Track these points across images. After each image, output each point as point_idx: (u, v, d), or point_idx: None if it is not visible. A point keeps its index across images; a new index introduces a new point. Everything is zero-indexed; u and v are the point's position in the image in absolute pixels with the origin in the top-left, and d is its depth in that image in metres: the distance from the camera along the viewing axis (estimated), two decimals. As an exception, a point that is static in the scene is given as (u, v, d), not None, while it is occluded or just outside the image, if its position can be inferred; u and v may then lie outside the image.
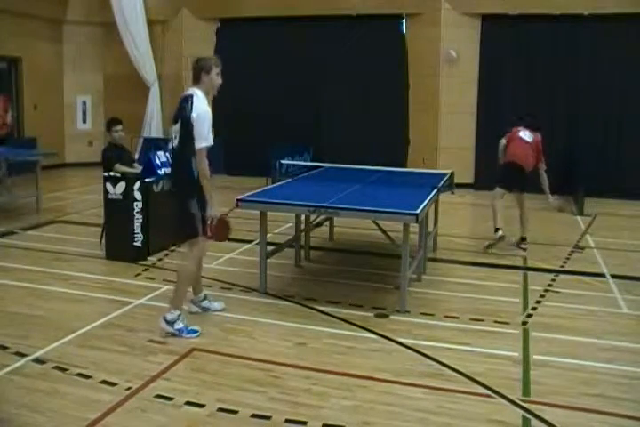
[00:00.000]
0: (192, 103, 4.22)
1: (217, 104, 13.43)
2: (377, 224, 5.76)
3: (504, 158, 7.26)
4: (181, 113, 4.26)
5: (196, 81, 4.34)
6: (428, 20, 11.82)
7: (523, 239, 7.19)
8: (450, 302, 5.30)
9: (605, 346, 4.35)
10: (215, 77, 4.37)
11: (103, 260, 6.36)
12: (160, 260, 6.40)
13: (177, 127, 4.28)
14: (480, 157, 11.94)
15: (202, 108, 4.22)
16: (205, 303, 4.88)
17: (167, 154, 7.00)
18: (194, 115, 4.18)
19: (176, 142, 4.30)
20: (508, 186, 7.13)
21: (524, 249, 7.04)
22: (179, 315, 4.36)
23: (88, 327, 4.51)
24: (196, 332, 4.37)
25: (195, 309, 4.84)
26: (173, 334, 4.32)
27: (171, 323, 4.32)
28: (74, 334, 4.37)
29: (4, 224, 7.87)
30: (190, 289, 4.76)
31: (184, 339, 4.33)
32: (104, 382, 3.66)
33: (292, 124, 12.29)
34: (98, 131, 13.42)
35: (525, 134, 7.31)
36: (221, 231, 4.43)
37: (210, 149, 4.31)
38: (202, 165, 4.23)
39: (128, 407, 3.38)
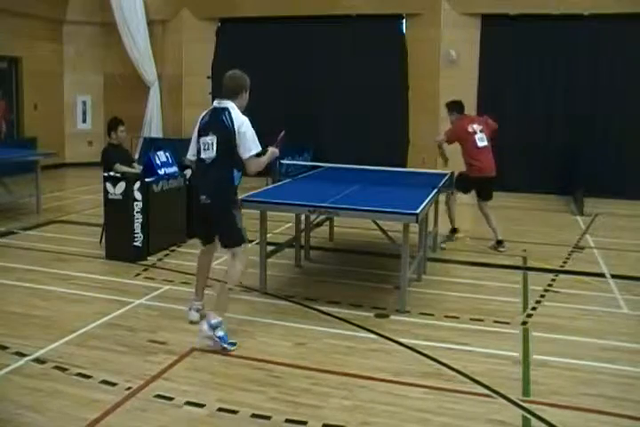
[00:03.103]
0: (230, 115, 4.26)
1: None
2: (377, 224, 5.76)
3: (472, 172, 7.06)
4: (219, 125, 4.27)
5: (233, 96, 4.36)
6: (427, 20, 11.81)
7: (499, 242, 7.04)
8: (450, 302, 5.30)
9: (605, 346, 4.35)
10: (247, 97, 4.48)
11: (103, 260, 6.36)
12: (160, 260, 6.40)
13: (211, 139, 4.27)
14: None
15: (243, 118, 4.30)
16: (203, 307, 4.73)
17: (167, 154, 7.02)
18: (236, 125, 4.24)
19: (212, 153, 4.27)
20: (466, 192, 7.30)
21: (502, 251, 6.99)
22: (221, 322, 4.18)
23: (88, 327, 4.51)
24: (234, 344, 4.20)
25: (195, 318, 4.63)
26: (212, 339, 4.12)
27: (214, 328, 4.13)
28: (74, 334, 4.37)
29: (4, 224, 7.87)
30: (194, 294, 4.73)
31: (184, 339, 4.33)
32: (104, 382, 3.66)
33: (291, 124, 12.26)
34: (98, 131, 13.42)
35: (479, 136, 7.04)
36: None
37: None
38: (262, 163, 4.45)
39: (128, 407, 3.38)
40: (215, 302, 4.32)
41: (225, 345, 4.13)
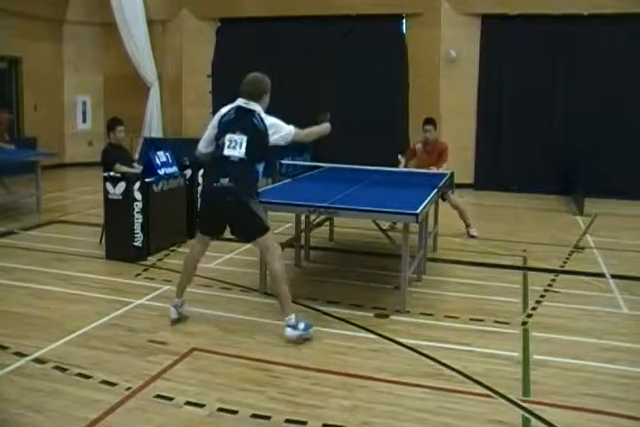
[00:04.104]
0: (261, 118, 4.37)
1: (217, 104, 13.52)
2: (377, 224, 5.76)
3: None
4: (251, 127, 4.34)
5: (257, 98, 4.42)
6: (427, 20, 11.82)
7: (468, 226, 7.85)
8: (450, 302, 5.30)
9: (605, 346, 4.35)
10: (268, 99, 4.54)
11: (103, 260, 6.36)
12: (160, 260, 6.40)
13: (240, 138, 4.31)
14: (480, 157, 11.97)
15: (273, 120, 4.42)
16: (182, 310, 4.67)
17: (167, 154, 7.02)
18: (269, 129, 4.37)
19: (241, 152, 4.30)
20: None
21: (475, 236, 7.74)
22: (295, 316, 4.32)
23: (88, 327, 4.51)
24: (311, 326, 4.37)
25: (174, 314, 4.59)
26: (302, 336, 4.28)
27: (295, 327, 4.27)
28: (74, 334, 4.37)
29: (4, 224, 7.87)
30: (176, 290, 4.68)
31: (184, 339, 4.33)
32: (104, 382, 3.66)
33: (291, 124, 12.29)
34: (98, 131, 13.42)
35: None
36: None
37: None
38: (312, 132, 4.74)
39: (128, 407, 3.38)
40: (281, 306, 4.39)
41: (311, 331, 4.32)
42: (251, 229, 4.40)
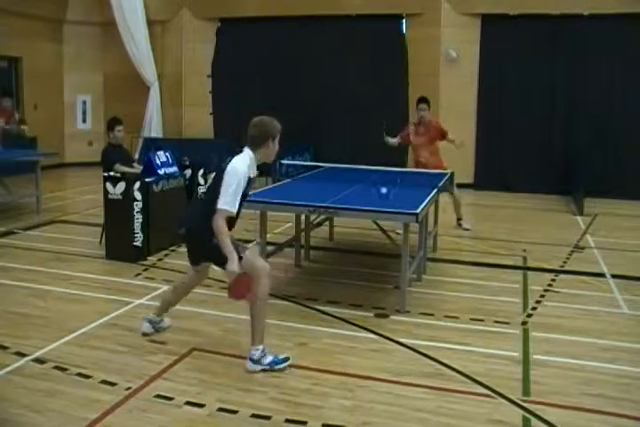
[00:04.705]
0: (230, 160, 3.87)
1: (217, 104, 13.53)
2: (377, 224, 5.76)
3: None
4: (221, 167, 3.91)
5: (255, 145, 3.94)
6: (427, 20, 11.81)
7: (460, 219, 8.15)
8: (450, 302, 5.29)
9: (605, 346, 4.35)
10: (276, 144, 4.04)
11: (103, 260, 6.36)
12: (160, 260, 6.40)
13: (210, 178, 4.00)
14: (480, 157, 11.96)
15: (237, 166, 3.82)
16: (162, 324, 4.42)
17: (167, 154, 7.02)
18: (228, 168, 3.81)
19: (203, 192, 4.08)
20: None
21: (468, 229, 8.04)
22: (263, 349, 3.87)
23: (88, 327, 4.51)
24: (287, 360, 3.91)
25: (149, 330, 4.35)
26: (265, 370, 3.83)
27: (258, 361, 3.84)
28: (74, 334, 4.37)
29: (4, 224, 7.87)
30: (159, 307, 4.40)
31: (184, 339, 4.33)
32: (104, 382, 3.66)
33: (292, 124, 12.24)
34: (98, 131, 13.41)
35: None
36: (239, 289, 3.83)
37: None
38: (216, 226, 3.78)
39: (128, 407, 3.38)
40: (252, 331, 3.90)
41: (280, 366, 3.85)
42: (215, 258, 3.91)
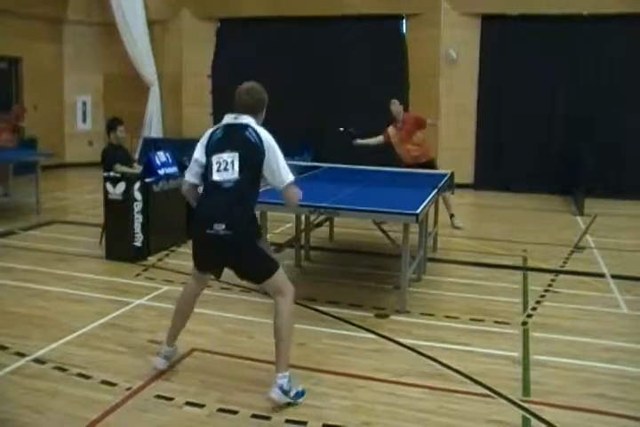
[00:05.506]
0: (257, 132, 3.57)
1: (217, 104, 13.53)
2: (377, 224, 5.76)
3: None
4: (243, 141, 3.55)
5: (253, 112, 3.68)
6: (427, 20, 11.82)
7: (452, 216, 8.21)
8: (450, 302, 5.30)
9: (605, 346, 4.35)
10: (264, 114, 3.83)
11: (103, 260, 6.36)
12: (160, 260, 6.40)
13: (230, 156, 3.50)
14: (480, 157, 11.97)
15: (273, 140, 3.60)
16: (175, 353, 3.95)
17: (167, 154, 7.02)
18: (266, 144, 3.54)
19: (234, 174, 3.48)
20: None
21: (460, 227, 8.14)
22: (289, 377, 3.49)
23: (88, 327, 4.51)
24: (304, 393, 3.56)
25: (162, 366, 3.81)
26: (290, 404, 3.44)
27: (287, 392, 3.43)
28: (74, 334, 4.37)
29: (4, 224, 7.87)
30: (166, 337, 3.89)
31: (184, 339, 4.32)
32: (104, 382, 3.66)
33: (292, 124, 12.29)
34: (98, 131, 13.39)
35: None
36: None
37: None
38: (295, 199, 3.69)
39: (128, 407, 3.38)
40: (278, 358, 3.51)
41: (300, 400, 3.49)
42: (260, 273, 3.59)
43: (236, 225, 3.45)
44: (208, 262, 3.68)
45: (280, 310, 3.53)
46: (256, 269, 3.58)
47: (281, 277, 3.58)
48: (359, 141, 8.06)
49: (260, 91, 3.76)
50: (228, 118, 3.69)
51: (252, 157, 3.52)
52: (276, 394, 3.40)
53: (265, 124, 3.82)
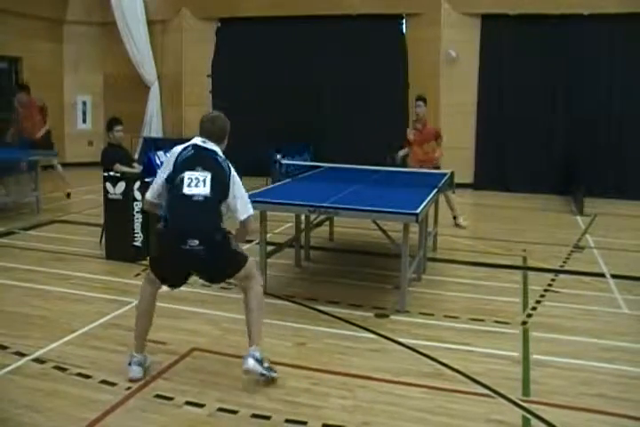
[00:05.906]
0: (226, 161, 3.76)
1: (217, 104, 13.51)
2: (377, 224, 5.76)
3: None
4: (213, 164, 3.70)
5: (216, 140, 3.83)
6: (427, 20, 11.82)
7: (455, 217, 8.32)
8: (450, 302, 5.30)
9: (605, 346, 4.35)
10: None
11: (103, 260, 6.36)
12: (160, 260, 6.39)
13: (202, 175, 3.63)
14: (480, 156, 11.97)
15: (235, 172, 3.78)
16: (148, 361, 3.88)
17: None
18: (232, 173, 3.75)
19: (206, 190, 3.61)
20: None
21: (464, 226, 8.24)
22: (261, 352, 3.73)
23: (88, 327, 4.51)
24: (274, 371, 3.74)
25: (138, 374, 3.72)
26: (263, 375, 3.64)
27: (261, 361, 3.65)
28: (74, 334, 4.37)
29: (4, 224, 7.87)
30: (136, 345, 3.82)
31: (184, 339, 4.33)
32: (104, 382, 3.66)
33: (292, 124, 12.30)
34: (98, 131, 13.42)
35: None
36: None
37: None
38: (250, 232, 3.94)
39: (128, 407, 3.38)
40: (252, 333, 3.75)
41: (274, 375, 3.70)
42: (233, 269, 3.77)
43: (208, 239, 3.59)
44: (175, 276, 3.83)
45: (250, 286, 3.79)
46: (231, 267, 3.77)
47: (249, 265, 3.80)
48: (401, 154, 8.39)
49: (223, 120, 3.92)
50: (198, 140, 3.83)
51: (222, 180, 3.70)
52: (250, 364, 3.60)
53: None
